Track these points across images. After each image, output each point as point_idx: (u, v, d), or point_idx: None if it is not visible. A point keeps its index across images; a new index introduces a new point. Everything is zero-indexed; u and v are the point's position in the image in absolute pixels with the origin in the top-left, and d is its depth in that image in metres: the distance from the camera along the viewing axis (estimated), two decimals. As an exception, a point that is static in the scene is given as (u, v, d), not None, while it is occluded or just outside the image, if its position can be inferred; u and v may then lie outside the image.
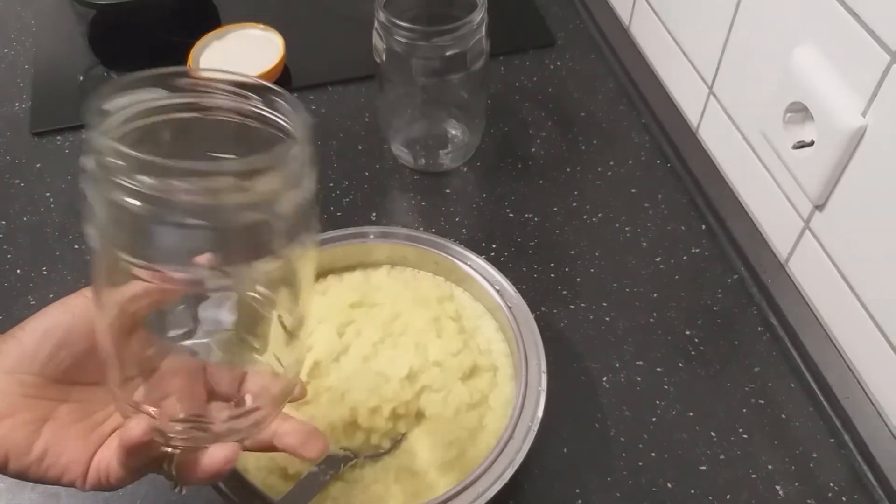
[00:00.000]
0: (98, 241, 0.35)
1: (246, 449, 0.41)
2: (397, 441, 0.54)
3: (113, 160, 0.32)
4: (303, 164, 0.35)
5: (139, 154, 0.31)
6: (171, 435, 0.39)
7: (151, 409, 0.39)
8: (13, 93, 0.83)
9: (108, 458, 0.40)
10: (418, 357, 0.55)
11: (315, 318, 0.58)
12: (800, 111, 0.59)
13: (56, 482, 0.40)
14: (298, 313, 0.40)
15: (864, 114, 0.53)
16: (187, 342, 0.41)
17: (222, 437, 0.40)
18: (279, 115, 0.37)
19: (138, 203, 0.32)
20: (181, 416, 0.40)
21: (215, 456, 0.39)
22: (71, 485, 0.40)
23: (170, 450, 0.39)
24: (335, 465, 0.52)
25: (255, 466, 0.52)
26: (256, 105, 0.37)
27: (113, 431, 0.41)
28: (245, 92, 0.37)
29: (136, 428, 0.38)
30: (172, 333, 0.41)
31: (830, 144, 0.55)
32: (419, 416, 0.55)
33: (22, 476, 0.39)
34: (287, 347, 0.41)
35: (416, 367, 0.55)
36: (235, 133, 0.38)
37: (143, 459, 0.39)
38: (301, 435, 0.42)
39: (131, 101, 0.35)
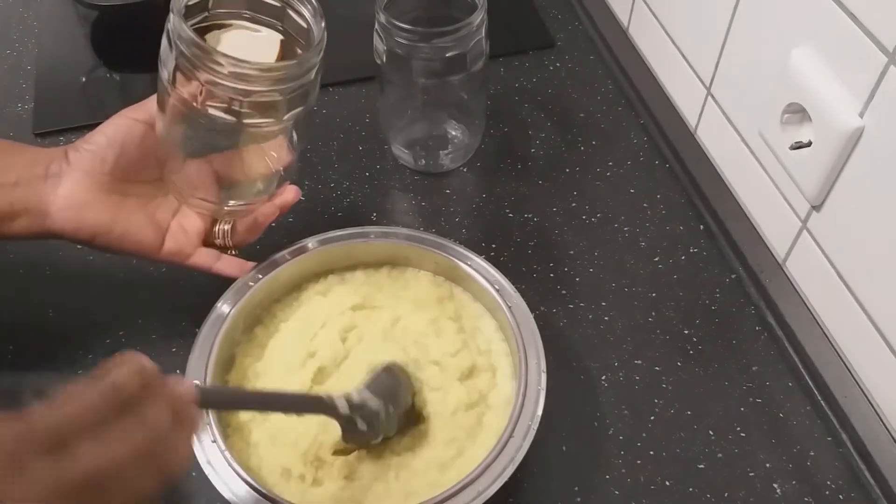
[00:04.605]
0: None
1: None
2: (398, 440, 0.54)
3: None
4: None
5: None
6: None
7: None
8: (16, 94, 0.83)
9: (191, 230, 0.57)
10: (418, 356, 0.56)
11: (318, 320, 0.58)
12: (797, 112, 0.59)
13: (132, 252, 0.56)
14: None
15: (861, 115, 0.53)
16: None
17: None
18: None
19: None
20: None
21: (289, 195, 0.59)
22: (146, 254, 0.56)
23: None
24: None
25: (268, 466, 0.52)
26: None
27: (169, 216, 0.57)
28: None
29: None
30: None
31: (828, 145, 0.55)
32: (419, 414, 0.55)
33: (106, 248, 0.55)
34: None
35: (416, 366, 0.56)
36: None
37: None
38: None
39: None
